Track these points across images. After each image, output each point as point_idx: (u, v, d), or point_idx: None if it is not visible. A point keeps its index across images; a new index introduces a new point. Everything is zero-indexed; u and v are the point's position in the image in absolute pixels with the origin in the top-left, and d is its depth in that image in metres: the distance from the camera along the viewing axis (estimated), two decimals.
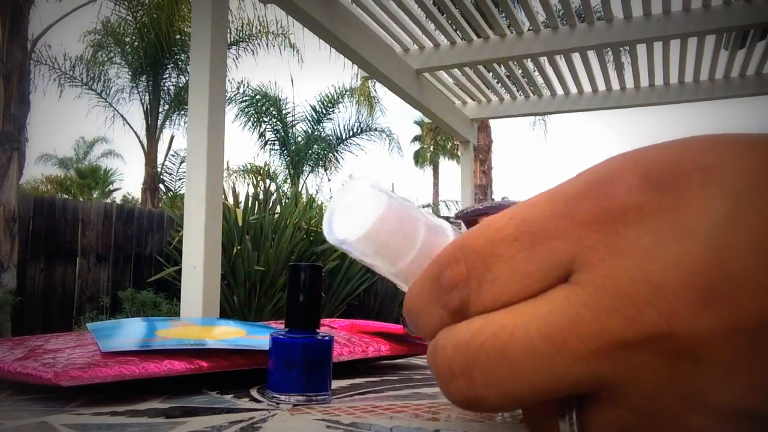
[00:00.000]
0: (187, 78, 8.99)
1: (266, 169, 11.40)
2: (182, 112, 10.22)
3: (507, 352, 0.19)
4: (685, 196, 0.18)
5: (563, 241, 0.19)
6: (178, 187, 11.30)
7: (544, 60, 2.98)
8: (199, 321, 0.74)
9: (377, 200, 0.21)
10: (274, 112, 10.80)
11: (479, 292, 0.20)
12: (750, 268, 0.17)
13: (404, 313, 0.23)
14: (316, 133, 11.11)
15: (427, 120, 7.65)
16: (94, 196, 18.31)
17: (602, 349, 0.18)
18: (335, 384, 0.47)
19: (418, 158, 21.62)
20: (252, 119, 10.77)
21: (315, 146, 11.15)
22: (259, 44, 9.71)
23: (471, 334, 0.19)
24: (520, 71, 3.19)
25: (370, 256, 0.22)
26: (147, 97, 10.05)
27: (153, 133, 10.29)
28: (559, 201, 0.20)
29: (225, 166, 4.91)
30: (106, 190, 19.68)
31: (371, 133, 11.46)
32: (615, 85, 3.26)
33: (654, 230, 0.18)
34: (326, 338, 0.40)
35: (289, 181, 11.09)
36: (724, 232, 0.17)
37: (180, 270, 1.55)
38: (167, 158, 11.75)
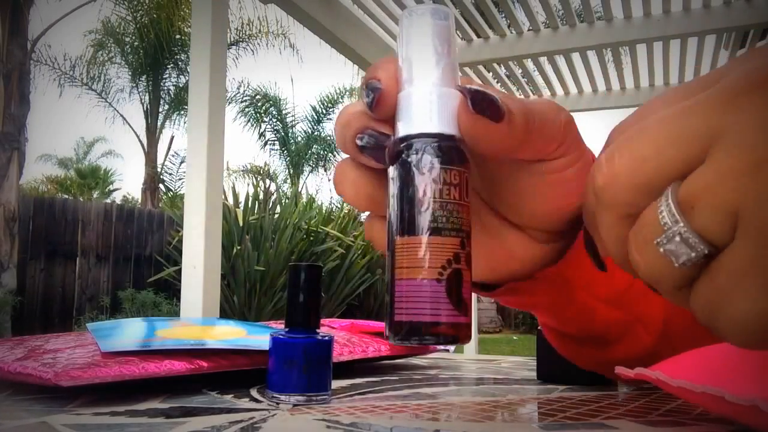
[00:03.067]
0: (187, 78, 8.99)
1: (266, 169, 11.41)
2: (182, 112, 10.22)
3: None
4: None
5: None
6: (178, 187, 11.31)
7: (544, 60, 2.98)
8: (199, 321, 0.74)
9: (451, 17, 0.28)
10: (274, 112, 10.80)
11: None
12: None
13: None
14: (316, 133, 11.11)
15: None
16: (94, 196, 18.29)
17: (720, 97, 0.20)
18: (335, 384, 0.47)
19: None
20: (252, 119, 10.78)
21: (315, 146, 11.15)
22: (259, 44, 9.72)
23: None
24: (520, 71, 3.19)
25: (419, 35, 0.28)
26: (147, 97, 10.05)
27: (153, 133, 10.29)
28: None
29: (225, 166, 4.90)
30: (106, 190, 19.65)
31: None
32: (615, 85, 3.26)
33: None
34: (326, 338, 0.40)
35: (289, 181, 11.09)
36: None
37: (180, 270, 1.55)
38: (167, 158, 11.76)
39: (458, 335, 0.26)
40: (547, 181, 0.30)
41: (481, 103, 0.26)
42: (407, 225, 0.26)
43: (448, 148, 0.26)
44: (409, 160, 0.26)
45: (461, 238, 0.26)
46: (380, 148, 0.28)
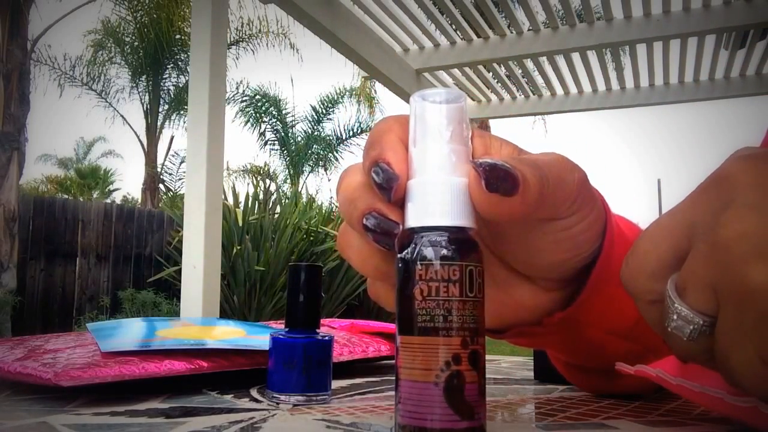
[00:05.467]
0: (187, 78, 8.98)
1: (266, 169, 11.41)
2: (182, 112, 10.22)
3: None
4: None
5: None
6: (178, 187, 11.31)
7: (544, 60, 2.98)
8: (199, 321, 0.74)
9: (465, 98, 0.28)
10: (274, 112, 10.80)
11: None
12: None
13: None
14: (316, 133, 11.11)
15: None
16: (94, 196, 18.29)
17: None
18: (335, 384, 0.47)
19: None
20: (252, 119, 10.78)
21: (315, 146, 11.15)
22: (259, 44, 9.72)
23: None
24: (520, 71, 3.19)
25: (428, 119, 0.27)
26: (147, 97, 10.05)
27: (153, 133, 10.29)
28: None
29: (225, 166, 4.90)
30: (106, 190, 19.65)
31: None
32: (615, 85, 3.26)
33: None
34: (326, 338, 0.40)
35: (289, 181, 11.09)
36: None
37: (180, 270, 1.55)
38: (167, 158, 11.77)
39: None
40: (558, 237, 0.31)
41: (495, 182, 0.26)
42: (405, 324, 0.26)
43: (454, 241, 0.26)
44: (408, 255, 0.26)
45: (463, 337, 0.25)
46: (386, 233, 0.27)
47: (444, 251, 0.25)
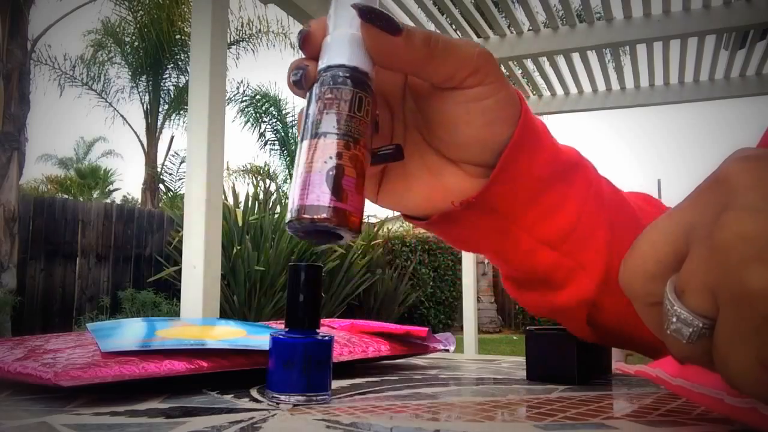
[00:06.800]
0: (187, 78, 8.99)
1: (266, 169, 11.42)
2: (182, 112, 10.22)
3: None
4: None
5: None
6: (178, 187, 11.31)
7: (544, 60, 2.98)
8: (199, 321, 0.74)
9: None
10: (274, 112, 10.81)
11: None
12: None
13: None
14: None
15: None
16: (94, 196, 18.28)
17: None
18: (335, 384, 0.47)
19: None
20: (252, 119, 10.78)
21: None
22: (259, 43, 9.73)
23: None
24: (520, 71, 3.18)
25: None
26: (147, 97, 10.05)
27: (153, 133, 10.29)
28: None
29: (225, 166, 4.91)
30: (106, 190, 19.64)
31: None
32: (615, 85, 3.26)
33: None
34: (326, 338, 0.40)
35: (289, 181, 11.10)
36: None
37: (180, 270, 1.56)
38: (167, 158, 11.77)
39: (337, 219, 0.29)
40: (469, 110, 0.35)
41: (369, 14, 0.31)
42: (306, 133, 0.32)
43: (349, 76, 0.32)
44: (314, 85, 0.33)
45: (346, 141, 0.31)
46: (304, 76, 0.33)
47: (339, 79, 0.32)
